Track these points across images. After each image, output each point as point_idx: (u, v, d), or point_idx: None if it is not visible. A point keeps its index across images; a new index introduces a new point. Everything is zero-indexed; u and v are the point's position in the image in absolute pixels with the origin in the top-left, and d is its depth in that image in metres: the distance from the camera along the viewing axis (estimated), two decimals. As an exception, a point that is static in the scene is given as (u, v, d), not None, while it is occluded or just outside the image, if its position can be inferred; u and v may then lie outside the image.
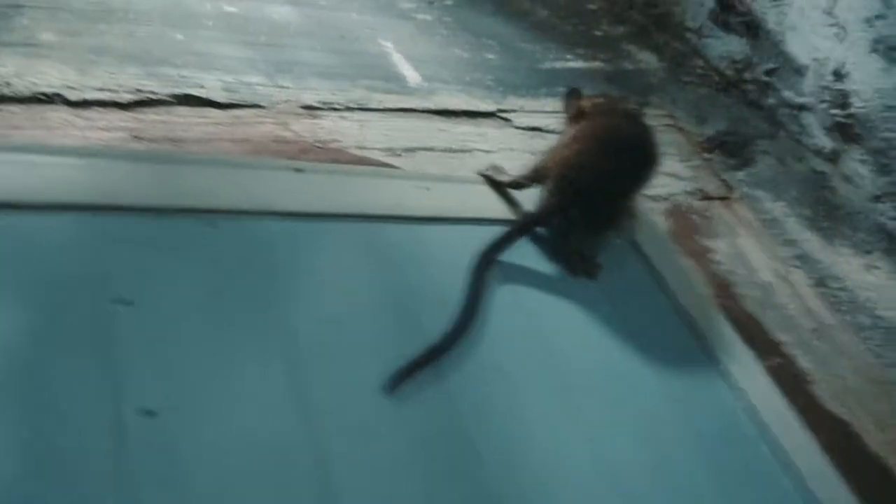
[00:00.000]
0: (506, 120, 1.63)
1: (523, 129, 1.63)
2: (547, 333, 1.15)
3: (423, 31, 1.84)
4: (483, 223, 1.24)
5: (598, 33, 2.12)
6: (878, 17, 1.67)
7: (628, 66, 2.01)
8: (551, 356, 1.13)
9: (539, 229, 1.29)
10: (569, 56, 1.96)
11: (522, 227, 1.25)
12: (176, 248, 0.96)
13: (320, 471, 0.85)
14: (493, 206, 1.30)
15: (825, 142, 1.80)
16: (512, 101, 1.69)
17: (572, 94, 1.40)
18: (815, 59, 1.82)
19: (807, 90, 1.84)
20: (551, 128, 1.61)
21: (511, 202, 1.33)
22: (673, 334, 1.29)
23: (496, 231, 1.22)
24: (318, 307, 0.99)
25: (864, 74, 1.73)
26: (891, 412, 1.42)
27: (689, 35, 2.14)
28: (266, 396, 0.87)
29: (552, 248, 1.28)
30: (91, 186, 1.00)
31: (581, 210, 1.26)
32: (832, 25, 1.78)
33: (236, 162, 1.15)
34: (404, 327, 1.03)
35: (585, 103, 1.40)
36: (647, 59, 2.07)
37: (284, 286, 0.99)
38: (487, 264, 1.16)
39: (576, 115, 1.38)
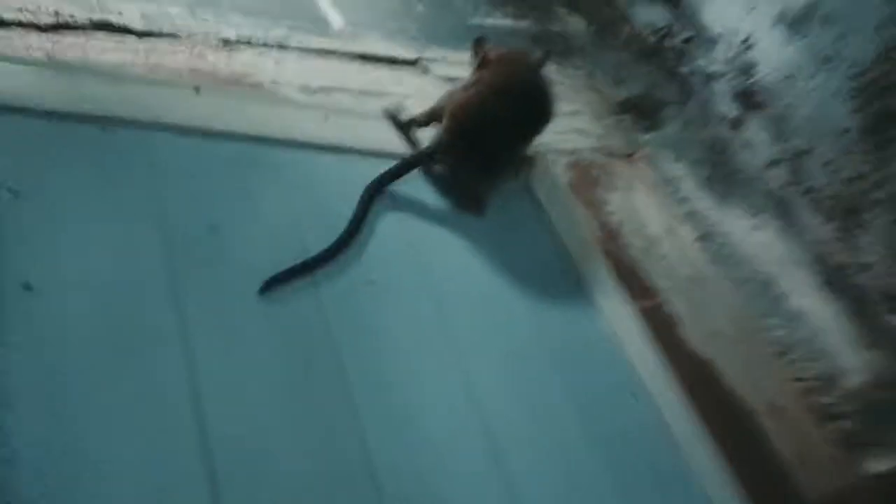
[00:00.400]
0: (425, 69, 1.71)
1: (442, 78, 1.70)
2: (426, 260, 1.24)
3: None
4: (379, 157, 1.32)
5: (531, -6, 2.19)
6: (782, -9, 1.77)
7: (555, 27, 2.09)
8: (428, 281, 1.22)
9: (436, 166, 1.38)
10: (498, 13, 2.03)
11: (414, 160, 1.33)
12: (67, 150, 1.03)
13: (186, 362, 0.94)
14: (391, 141, 1.39)
15: (730, 109, 1.90)
16: (434, 52, 1.76)
17: (478, 42, 1.48)
18: (726, 29, 1.91)
19: (718, 59, 1.94)
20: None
21: (410, 140, 1.41)
22: (552, 272, 1.39)
23: (390, 164, 1.31)
24: (198, 217, 1.07)
25: (769, 45, 1.82)
26: (756, 358, 1.54)
27: (618, 1, 2.22)
28: (139, 286, 0.96)
29: (444, 184, 1.37)
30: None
31: (472, 151, 1.35)
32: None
33: (137, 78, 1.22)
34: (285, 244, 1.12)
35: (491, 52, 1.48)
36: (575, 22, 2.14)
37: (169, 196, 1.07)
38: (376, 192, 1.24)
39: (480, 63, 1.47)
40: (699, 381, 1.41)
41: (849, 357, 1.54)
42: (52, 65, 1.20)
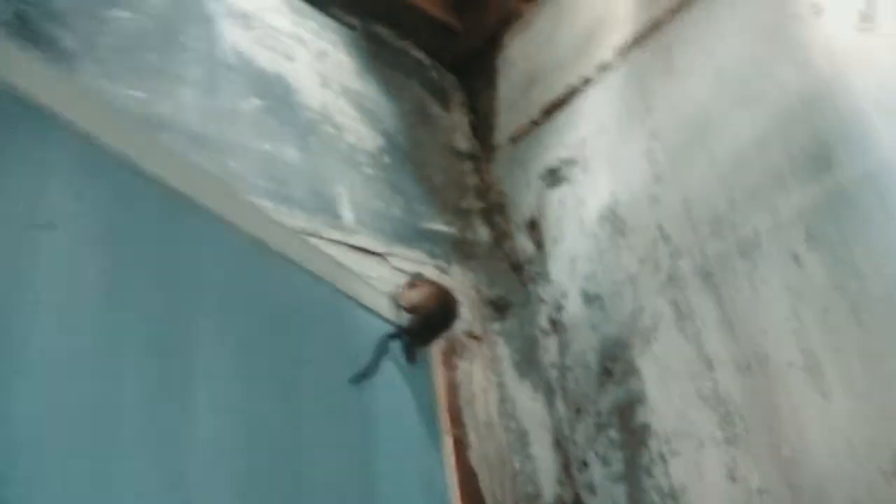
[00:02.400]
0: (386, 260, 2.97)
1: (395, 269, 2.97)
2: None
3: (365, 181, 3.12)
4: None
5: (463, 205, 3.50)
6: (587, 276, 3.17)
7: (469, 236, 3.41)
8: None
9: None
10: (440, 221, 3.32)
11: (401, 331, 2.59)
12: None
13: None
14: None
15: (545, 324, 3.29)
16: (394, 249, 3.02)
17: (415, 276, 2.77)
18: (556, 281, 3.31)
19: (548, 293, 3.32)
20: (408, 270, 2.96)
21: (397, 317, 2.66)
22: (424, 403, 2.69)
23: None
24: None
25: (573, 302, 3.22)
26: (501, 477, 2.93)
27: (511, 225, 3.57)
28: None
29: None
30: None
31: (422, 333, 2.63)
32: (569, 267, 3.27)
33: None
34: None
35: (426, 280, 2.77)
36: (482, 234, 3.47)
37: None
38: (385, 342, 2.48)
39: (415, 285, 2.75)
40: (469, 484, 2.77)
41: (549, 486, 2.97)
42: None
